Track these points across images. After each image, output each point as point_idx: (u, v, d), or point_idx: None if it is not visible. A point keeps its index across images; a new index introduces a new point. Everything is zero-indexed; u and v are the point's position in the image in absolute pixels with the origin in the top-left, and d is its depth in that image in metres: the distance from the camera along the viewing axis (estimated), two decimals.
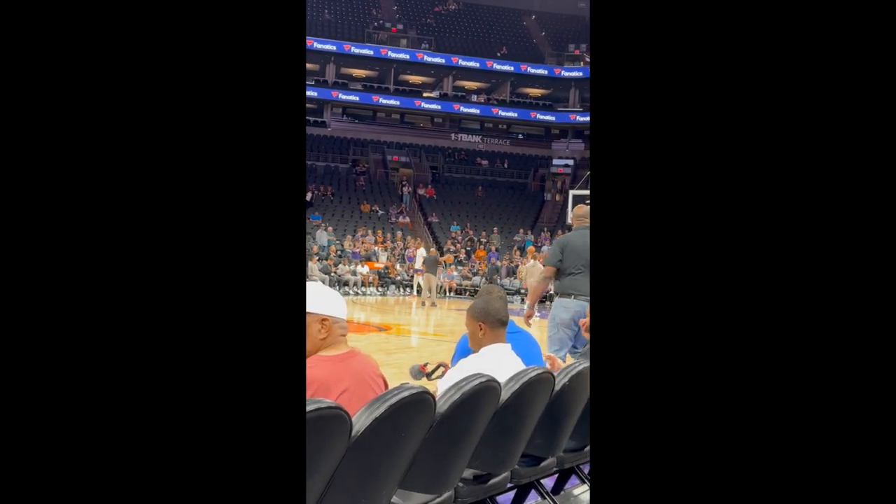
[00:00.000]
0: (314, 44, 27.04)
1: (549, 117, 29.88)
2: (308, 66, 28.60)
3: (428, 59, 28.68)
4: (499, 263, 19.73)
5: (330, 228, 20.66)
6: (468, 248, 21.66)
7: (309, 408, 1.30)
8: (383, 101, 28.83)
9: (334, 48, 27.70)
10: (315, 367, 1.85)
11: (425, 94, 29.87)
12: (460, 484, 2.08)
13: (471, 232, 22.88)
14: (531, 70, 29.22)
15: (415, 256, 17.67)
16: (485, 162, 28.65)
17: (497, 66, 29.10)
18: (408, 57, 28.50)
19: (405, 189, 25.48)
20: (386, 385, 1.99)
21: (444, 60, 28.78)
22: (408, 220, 23.78)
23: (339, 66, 28.88)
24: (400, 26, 30.23)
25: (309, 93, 27.25)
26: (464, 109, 29.54)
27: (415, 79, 30.24)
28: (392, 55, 28.31)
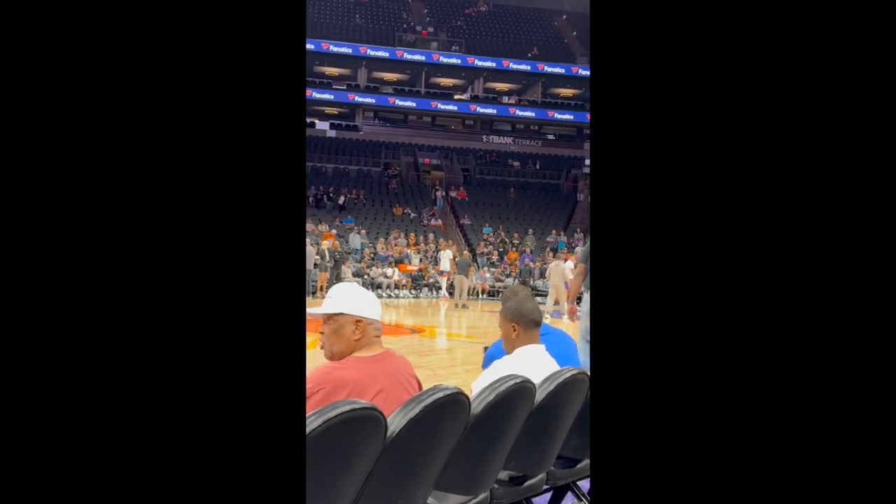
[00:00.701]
0: (330, 47, 27.33)
1: (568, 116, 29.76)
2: (339, 70, 28.86)
3: (444, 59, 28.74)
4: (532, 265, 19.64)
5: (363, 231, 20.78)
6: (500, 250, 21.60)
7: (344, 408, 1.31)
8: (399, 102, 28.97)
9: (350, 51, 27.89)
10: (350, 368, 1.86)
11: (456, 97, 29.91)
12: (496, 485, 2.07)
13: (503, 234, 22.83)
14: (548, 69, 29.10)
15: (441, 258, 17.66)
16: (516, 163, 28.57)
17: (514, 66, 29.05)
18: (423, 58, 28.59)
19: (438, 193, 25.51)
20: (420, 386, 1.99)
21: (459, 61, 28.82)
22: (440, 222, 23.80)
23: (370, 70, 29.06)
24: (430, 29, 30.31)
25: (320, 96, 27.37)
26: (480, 110, 29.55)
27: (445, 81, 30.29)
28: (408, 57, 28.40)
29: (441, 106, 29.38)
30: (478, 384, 2.36)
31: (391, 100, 28.88)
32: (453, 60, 28.81)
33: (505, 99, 30.02)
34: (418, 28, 30.32)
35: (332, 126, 28.77)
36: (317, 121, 28.72)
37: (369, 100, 28.86)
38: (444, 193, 25.63)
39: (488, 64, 28.94)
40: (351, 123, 29.04)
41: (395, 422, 1.49)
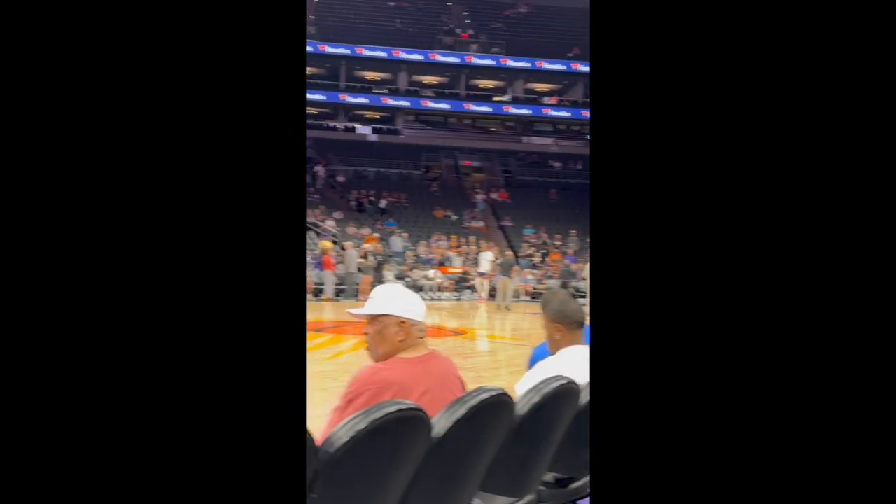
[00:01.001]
0: (364, 51, 27.41)
1: None
2: (380, 75, 29.07)
3: (477, 61, 28.63)
4: (574, 267, 19.46)
5: (405, 234, 20.87)
6: (543, 252, 21.47)
7: (390, 409, 1.32)
8: (433, 104, 28.94)
9: (385, 55, 27.97)
10: (394, 369, 1.87)
11: (495, 99, 29.86)
12: (542, 487, 2.06)
13: (545, 235, 22.68)
14: (583, 68, 28.66)
15: (481, 260, 17.58)
16: (558, 164, 28.36)
17: (547, 66, 28.78)
18: (458, 60, 28.54)
19: (479, 195, 25.47)
20: (464, 387, 1.99)
21: (494, 62, 28.69)
22: (481, 224, 23.76)
23: (410, 73, 29.20)
24: (471, 32, 30.32)
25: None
26: (513, 111, 29.40)
27: (485, 83, 30.26)
28: (441, 59, 28.34)
29: (474, 107, 29.30)
30: (521, 385, 2.35)
31: (423, 102, 28.90)
32: (487, 62, 28.76)
33: (545, 99, 29.83)
34: (458, 31, 30.35)
35: (374, 130, 28.97)
36: (357, 125, 28.95)
37: (404, 103, 28.95)
38: (485, 195, 25.58)
39: (523, 65, 28.81)
40: (392, 127, 29.20)
41: (441, 423, 1.49)
